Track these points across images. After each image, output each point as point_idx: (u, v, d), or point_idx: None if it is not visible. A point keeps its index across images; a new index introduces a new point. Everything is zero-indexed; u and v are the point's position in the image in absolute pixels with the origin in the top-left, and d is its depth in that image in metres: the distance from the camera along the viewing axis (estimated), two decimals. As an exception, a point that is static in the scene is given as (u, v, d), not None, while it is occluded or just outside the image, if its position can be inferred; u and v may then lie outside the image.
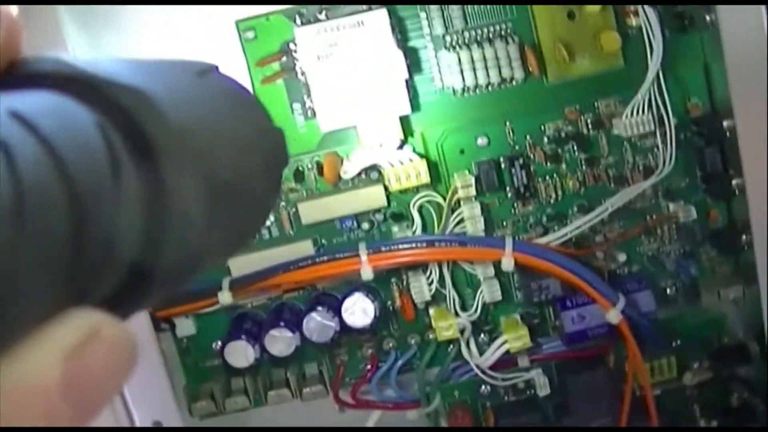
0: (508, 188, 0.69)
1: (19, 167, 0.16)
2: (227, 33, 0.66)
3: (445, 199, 0.68)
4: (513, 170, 0.68)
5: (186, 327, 0.69)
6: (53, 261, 0.17)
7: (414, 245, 0.66)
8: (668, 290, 0.72)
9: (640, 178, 0.69)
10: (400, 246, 0.66)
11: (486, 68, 0.66)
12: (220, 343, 0.69)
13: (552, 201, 0.69)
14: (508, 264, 0.65)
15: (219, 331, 0.70)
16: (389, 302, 0.70)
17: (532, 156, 0.68)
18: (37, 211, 0.16)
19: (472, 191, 0.67)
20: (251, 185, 0.25)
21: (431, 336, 0.70)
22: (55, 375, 0.17)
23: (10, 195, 0.16)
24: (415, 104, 0.66)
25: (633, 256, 0.71)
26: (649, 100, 0.67)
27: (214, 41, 0.66)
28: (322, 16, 0.65)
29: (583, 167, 0.69)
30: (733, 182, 0.67)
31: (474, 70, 0.66)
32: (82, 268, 0.18)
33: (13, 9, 0.20)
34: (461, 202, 0.67)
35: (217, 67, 0.27)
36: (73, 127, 0.18)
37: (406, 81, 0.64)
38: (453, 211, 0.68)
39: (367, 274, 0.65)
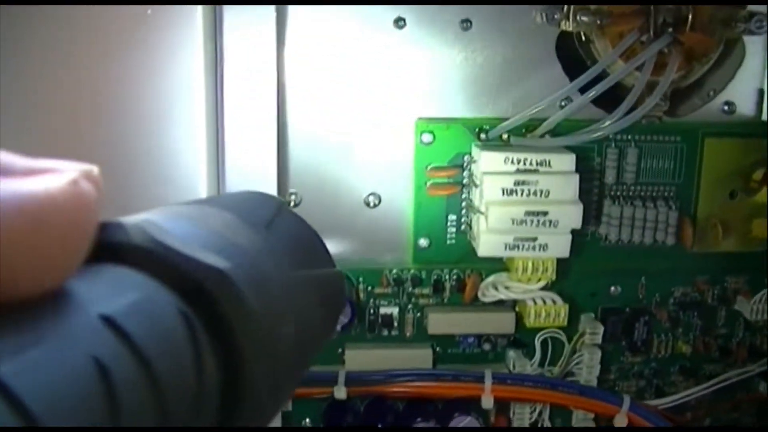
0: (623, 339, 0.70)
1: (114, 385, 0.16)
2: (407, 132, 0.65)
3: (570, 339, 0.68)
4: (636, 324, 0.69)
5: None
6: None
7: (538, 384, 0.67)
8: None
9: (745, 355, 0.71)
10: (525, 383, 0.66)
11: (644, 228, 0.66)
12: (308, 421, 0.69)
13: (659, 357, 0.71)
14: (621, 421, 0.67)
15: (311, 411, 0.69)
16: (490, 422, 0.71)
17: (655, 314, 0.70)
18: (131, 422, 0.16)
19: (599, 339, 0.68)
20: (312, 341, 0.26)
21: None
22: None
23: (106, 411, 0.16)
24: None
25: (713, 421, 0.74)
26: (775, 287, 0.69)
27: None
28: (504, 137, 0.64)
29: (696, 333, 0.71)
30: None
31: (632, 227, 0.66)
32: None
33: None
34: (584, 347, 0.68)
35: (282, 204, 0.27)
36: (159, 323, 0.18)
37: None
38: (573, 352, 0.69)
39: (487, 402, 0.66)
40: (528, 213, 0.63)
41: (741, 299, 0.70)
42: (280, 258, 0.25)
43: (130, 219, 0.21)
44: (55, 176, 0.17)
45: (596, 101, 0.64)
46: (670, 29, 0.63)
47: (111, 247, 0.20)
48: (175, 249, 0.20)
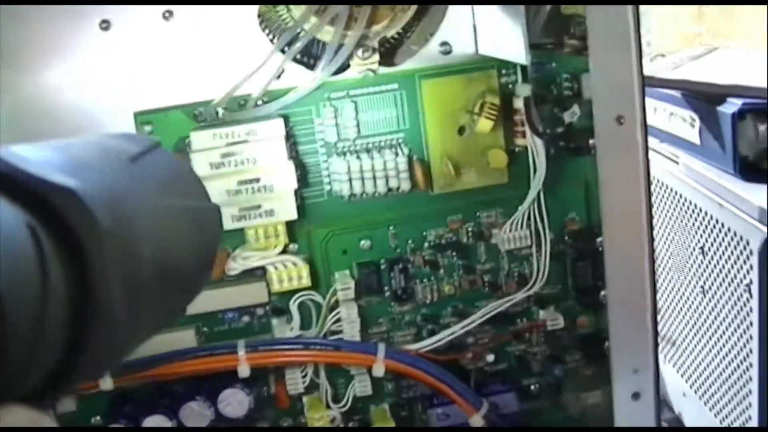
0: (386, 290, 0.71)
1: None
2: (125, 125, 0.66)
3: (324, 298, 0.70)
4: (392, 273, 0.70)
5: (66, 404, 0.71)
6: None
7: (291, 347, 0.68)
8: (532, 387, 0.75)
9: (514, 286, 0.72)
10: (277, 347, 0.68)
11: (374, 178, 0.68)
12: (99, 418, 0.71)
13: (428, 303, 0.72)
14: (378, 370, 0.68)
15: (99, 408, 0.71)
16: (265, 389, 0.72)
17: (412, 260, 0.71)
18: None
19: (351, 294, 0.69)
20: (180, 269, 0.26)
21: (303, 421, 0.73)
22: None
23: None
24: (302, 206, 0.68)
25: (501, 356, 0.74)
26: (529, 215, 0.70)
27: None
28: (221, 115, 0.66)
29: (460, 273, 0.72)
30: (601, 294, 0.70)
31: (362, 179, 0.67)
32: (6, 370, 0.19)
33: None
34: (340, 303, 0.69)
35: (156, 144, 0.28)
36: (3, 232, 0.19)
37: (295, 190, 0.66)
38: (332, 310, 0.70)
39: (244, 371, 0.67)
40: (240, 182, 0.64)
41: (496, 232, 0.71)
42: (146, 187, 0.25)
43: None
44: None
45: (310, 66, 0.66)
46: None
47: None
48: (25, 170, 0.21)
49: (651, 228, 0.65)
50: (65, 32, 0.65)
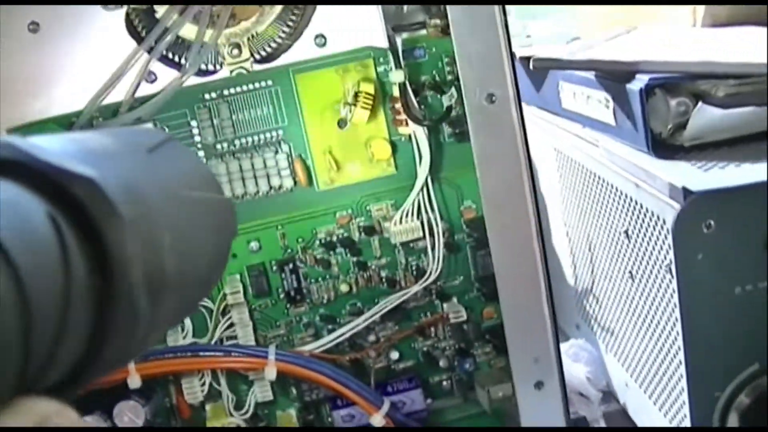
0: (279, 292, 0.69)
1: None
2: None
3: (214, 303, 0.68)
4: (283, 275, 0.69)
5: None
6: (2, 360, 0.17)
7: (178, 355, 0.67)
8: (444, 383, 0.73)
9: (413, 280, 0.70)
10: (166, 356, 0.67)
11: (255, 177, 0.66)
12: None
13: (325, 302, 0.70)
14: (270, 373, 0.67)
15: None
16: (167, 399, 0.71)
17: (303, 260, 0.69)
18: None
19: (241, 297, 0.68)
20: (198, 262, 0.26)
21: (208, 431, 0.72)
22: None
23: None
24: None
25: (406, 354, 0.72)
26: (419, 205, 0.68)
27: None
28: (95, 124, 0.65)
29: (355, 270, 0.70)
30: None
31: (243, 179, 0.66)
32: (30, 366, 0.18)
33: None
34: (230, 307, 0.68)
35: (170, 137, 0.27)
36: (25, 222, 0.19)
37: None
38: (224, 315, 0.69)
39: (134, 382, 0.66)
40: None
41: (387, 225, 0.69)
42: (164, 177, 0.25)
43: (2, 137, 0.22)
44: None
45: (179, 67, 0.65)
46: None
47: None
48: (43, 159, 0.20)
49: (537, 210, 0.64)
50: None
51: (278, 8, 0.66)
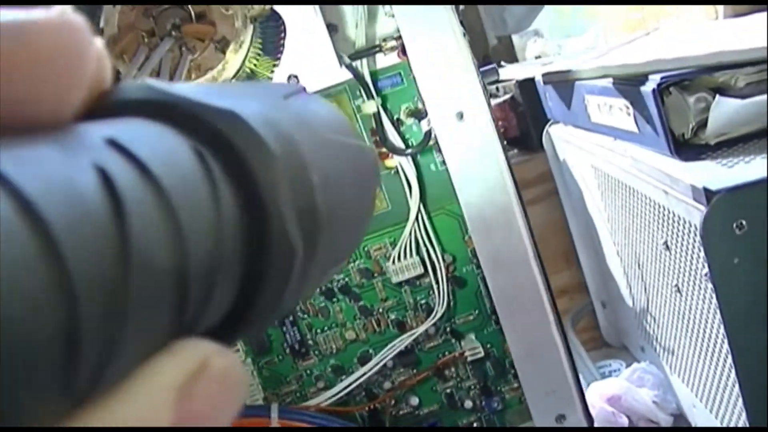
0: (285, 347, 0.67)
1: (120, 196, 0.15)
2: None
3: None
4: (284, 328, 0.66)
5: None
6: (159, 296, 0.16)
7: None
8: (475, 424, 0.69)
9: (423, 319, 0.66)
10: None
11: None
12: None
13: (333, 353, 0.67)
14: (276, 433, 0.64)
15: None
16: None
17: (305, 311, 0.66)
18: (141, 243, 0.15)
19: (242, 355, 0.65)
20: (345, 208, 0.24)
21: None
22: (168, 415, 0.16)
23: (112, 223, 0.15)
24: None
25: (427, 398, 0.68)
26: (416, 239, 0.64)
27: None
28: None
29: (360, 316, 0.67)
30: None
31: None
32: (187, 303, 0.17)
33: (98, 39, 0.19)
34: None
35: (303, 89, 0.26)
36: (170, 154, 0.18)
37: None
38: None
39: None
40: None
41: (389, 265, 0.65)
42: (304, 119, 0.24)
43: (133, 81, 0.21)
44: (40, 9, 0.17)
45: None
46: (173, 32, 0.62)
47: (116, 105, 0.19)
48: (184, 96, 0.20)
49: (529, 226, 0.59)
50: None
51: (242, 54, 0.64)
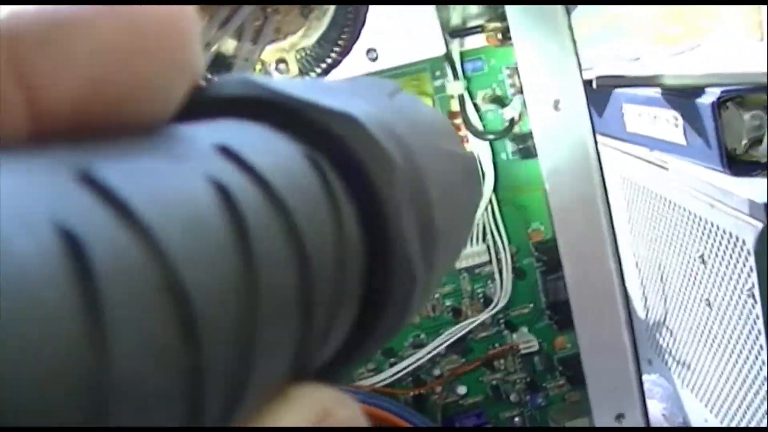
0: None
1: (243, 218, 0.13)
2: None
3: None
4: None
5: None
6: (285, 334, 0.14)
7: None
8: (515, 419, 0.68)
9: (479, 308, 0.65)
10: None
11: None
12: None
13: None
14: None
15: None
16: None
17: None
18: (270, 277, 0.13)
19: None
20: (457, 225, 0.22)
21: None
22: None
23: (236, 252, 0.12)
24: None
25: (474, 388, 0.67)
26: (484, 227, 0.64)
27: None
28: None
29: (417, 299, 0.66)
30: (579, 310, 0.64)
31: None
32: (310, 340, 0.14)
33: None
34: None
35: (401, 88, 0.23)
36: (287, 164, 0.15)
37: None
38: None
39: None
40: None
41: (452, 250, 0.65)
42: (414, 124, 0.21)
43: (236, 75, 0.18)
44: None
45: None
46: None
47: (217, 103, 0.17)
48: (293, 95, 0.17)
49: (612, 225, 0.59)
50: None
51: (326, 21, 0.62)
